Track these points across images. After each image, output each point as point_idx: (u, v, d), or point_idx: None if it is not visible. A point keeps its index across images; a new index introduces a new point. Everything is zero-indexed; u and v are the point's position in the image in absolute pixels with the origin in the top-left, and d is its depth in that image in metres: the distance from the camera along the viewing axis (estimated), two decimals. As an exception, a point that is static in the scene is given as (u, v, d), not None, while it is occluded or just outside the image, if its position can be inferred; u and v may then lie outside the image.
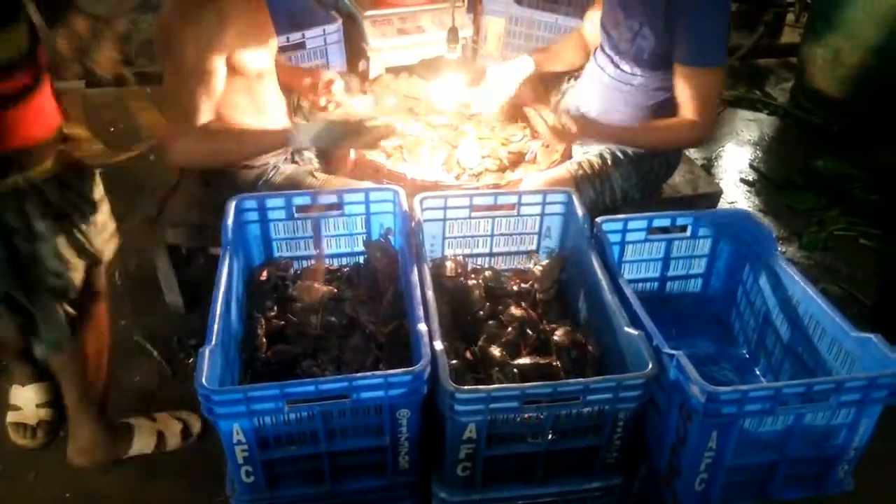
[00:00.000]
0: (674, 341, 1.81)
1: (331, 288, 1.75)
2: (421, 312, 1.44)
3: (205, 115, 1.82)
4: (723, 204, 2.98)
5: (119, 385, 2.09)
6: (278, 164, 2.09)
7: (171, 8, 1.79)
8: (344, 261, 1.88)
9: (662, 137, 2.04)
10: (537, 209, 1.82)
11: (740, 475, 1.41)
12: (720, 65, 1.92)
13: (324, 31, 2.57)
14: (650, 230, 1.79)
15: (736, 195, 3.07)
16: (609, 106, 2.15)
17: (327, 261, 1.86)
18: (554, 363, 1.52)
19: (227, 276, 1.52)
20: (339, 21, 2.62)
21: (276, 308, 1.71)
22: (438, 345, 1.36)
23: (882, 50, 3.22)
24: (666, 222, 1.79)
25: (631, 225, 1.78)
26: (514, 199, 1.80)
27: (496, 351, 1.56)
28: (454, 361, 1.52)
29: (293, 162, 2.18)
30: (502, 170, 2.33)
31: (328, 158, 2.23)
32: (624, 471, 1.50)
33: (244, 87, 1.95)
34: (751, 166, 3.26)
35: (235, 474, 1.39)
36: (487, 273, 1.81)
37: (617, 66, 2.09)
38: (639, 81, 2.07)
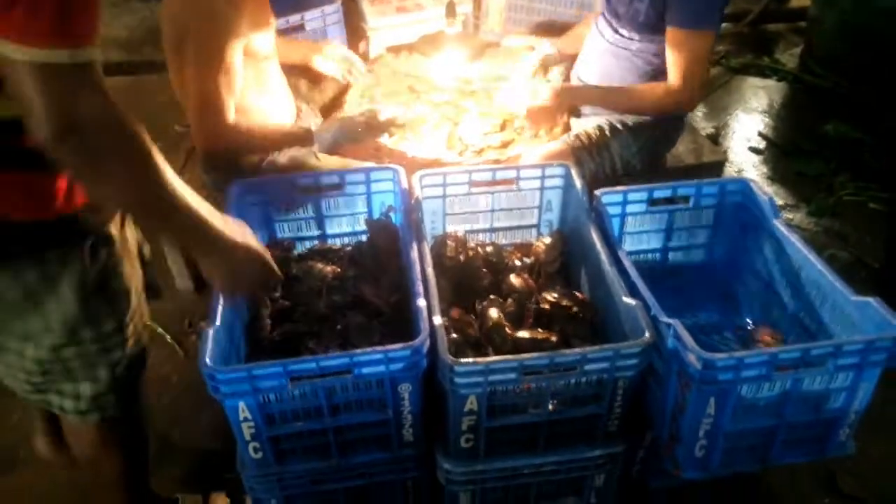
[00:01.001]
0: (678, 311, 1.85)
1: (334, 267, 1.77)
2: (420, 288, 1.46)
3: (231, 109, 1.84)
4: (730, 172, 2.98)
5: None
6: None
7: (182, 4, 1.78)
8: (346, 240, 1.90)
9: (640, 102, 2.04)
10: (536, 183, 1.82)
11: (740, 441, 1.42)
12: (709, 28, 1.90)
13: (322, 11, 2.57)
14: (651, 201, 1.79)
15: (744, 163, 3.05)
16: (608, 71, 2.14)
17: (330, 241, 1.88)
18: (552, 338, 1.53)
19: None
20: (338, 1, 2.62)
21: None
22: (438, 319, 1.38)
23: (890, 10, 3.16)
24: (667, 193, 1.79)
25: (631, 197, 1.77)
26: (512, 174, 1.80)
27: (494, 313, 1.58)
28: (454, 336, 1.54)
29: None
30: (505, 145, 2.33)
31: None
32: (626, 438, 1.51)
33: (251, 71, 1.95)
34: (759, 134, 3.23)
35: (244, 451, 1.42)
36: (489, 248, 1.82)
37: (616, 31, 2.08)
38: (637, 46, 2.06)
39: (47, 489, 1.87)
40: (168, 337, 2.25)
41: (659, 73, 2.06)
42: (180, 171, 2.28)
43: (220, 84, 1.79)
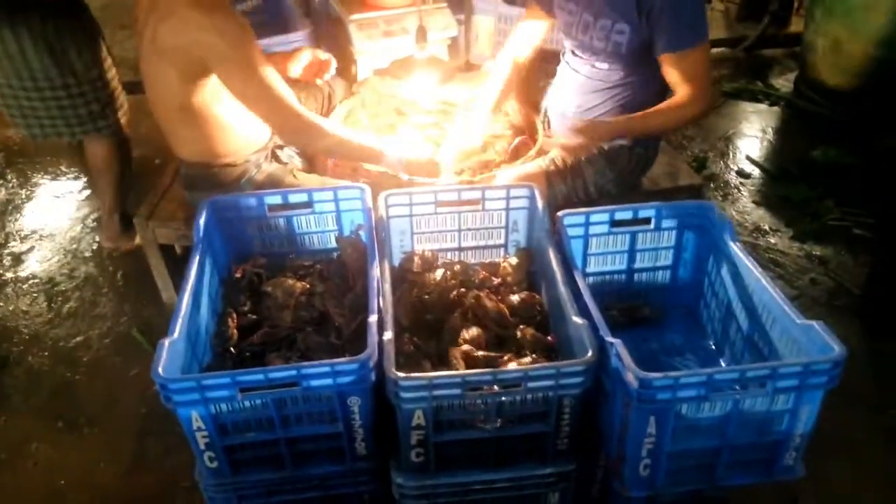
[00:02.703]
0: (642, 333, 1.88)
1: (304, 283, 1.82)
2: (375, 304, 1.50)
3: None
4: (716, 196, 2.99)
5: (117, 374, 2.21)
6: (260, 163, 2.17)
7: (200, 27, 1.78)
8: (318, 256, 1.95)
9: (668, 118, 2.05)
10: (502, 204, 1.86)
11: (684, 461, 1.44)
12: (702, 41, 1.93)
13: (288, 40, 2.61)
14: (613, 223, 1.82)
15: (731, 187, 3.06)
16: (591, 104, 2.18)
17: (301, 257, 1.93)
18: (504, 357, 1.56)
19: (196, 273, 1.61)
20: (308, 29, 2.66)
21: (249, 303, 1.79)
22: (387, 335, 1.42)
23: (882, 37, 3.18)
24: (628, 215, 1.82)
25: (593, 218, 1.81)
26: (477, 195, 1.85)
27: (467, 335, 1.62)
28: (411, 348, 1.58)
29: (275, 160, 2.25)
30: (486, 166, 2.38)
31: (310, 158, 2.30)
32: (578, 457, 1.53)
33: None
34: (748, 158, 3.25)
35: (200, 460, 1.47)
36: (456, 267, 1.86)
37: (593, 66, 2.12)
38: (618, 77, 2.09)
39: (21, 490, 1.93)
40: (151, 348, 2.30)
41: (638, 101, 2.09)
42: (166, 190, 2.37)
43: (283, 92, 1.90)
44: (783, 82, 3.86)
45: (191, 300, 1.54)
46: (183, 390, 1.33)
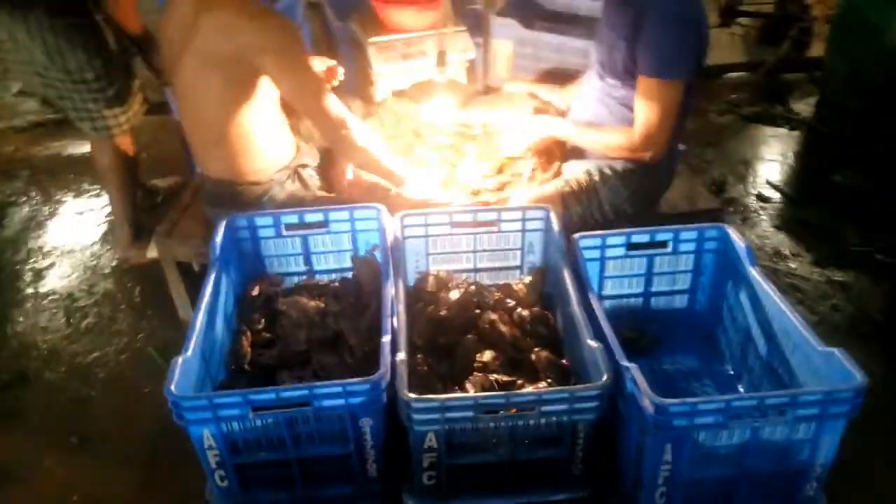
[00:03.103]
0: (658, 357, 1.86)
1: (318, 303, 1.82)
2: (389, 325, 1.50)
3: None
4: (736, 219, 2.96)
5: (133, 391, 2.22)
6: (283, 182, 2.18)
7: (255, 31, 1.81)
8: (334, 276, 1.96)
9: (601, 140, 2.09)
10: (517, 225, 1.86)
11: (702, 489, 1.41)
12: (677, 78, 1.89)
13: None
14: (630, 246, 1.81)
15: (751, 211, 3.03)
16: (599, 119, 2.18)
17: (317, 276, 1.94)
18: (518, 381, 1.55)
19: (211, 291, 1.62)
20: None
21: (264, 321, 1.79)
22: (400, 355, 1.41)
23: (904, 61, 3.15)
24: (644, 238, 1.81)
25: (610, 241, 1.80)
26: (493, 216, 1.85)
27: (486, 356, 1.61)
28: (425, 368, 1.57)
29: (299, 180, 2.26)
30: (501, 187, 2.37)
31: (327, 178, 2.31)
32: (592, 483, 1.51)
33: (254, 110, 2.05)
34: (768, 182, 3.21)
35: (211, 479, 1.46)
36: (471, 287, 1.85)
37: (602, 79, 2.13)
38: (620, 94, 2.09)
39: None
40: (163, 363, 2.31)
41: None
42: (186, 208, 2.39)
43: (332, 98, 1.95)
44: (803, 106, 3.83)
45: (205, 318, 1.55)
46: (195, 408, 1.33)
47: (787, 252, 2.76)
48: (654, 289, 1.90)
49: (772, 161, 3.41)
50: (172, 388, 1.32)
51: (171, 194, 3.02)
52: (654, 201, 2.28)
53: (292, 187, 2.19)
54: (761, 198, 3.11)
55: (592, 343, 1.44)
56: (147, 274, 2.68)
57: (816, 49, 4.24)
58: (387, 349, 1.41)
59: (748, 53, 4.29)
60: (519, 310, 1.78)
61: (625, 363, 1.37)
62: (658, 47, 1.86)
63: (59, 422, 2.15)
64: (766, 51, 4.23)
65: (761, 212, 3.02)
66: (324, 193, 2.21)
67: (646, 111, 1.94)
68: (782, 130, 3.63)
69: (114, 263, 2.81)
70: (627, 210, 2.18)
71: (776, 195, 3.14)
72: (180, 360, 1.39)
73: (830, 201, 3.01)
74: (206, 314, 1.56)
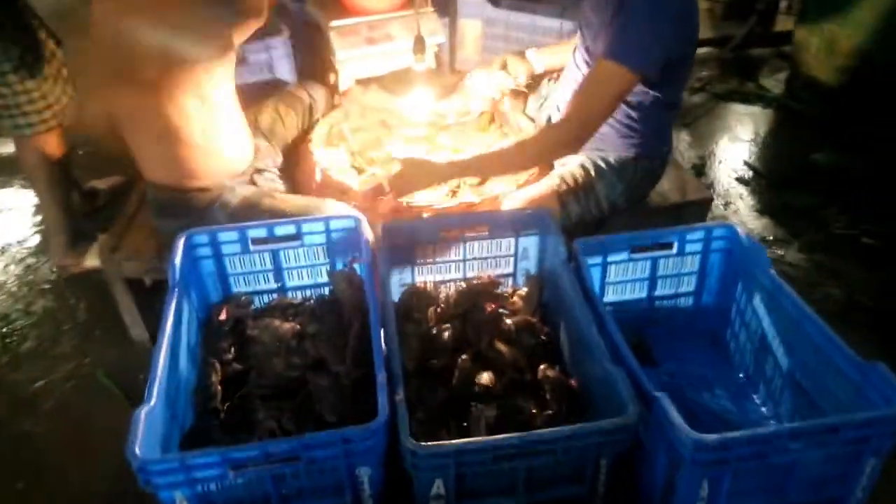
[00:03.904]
0: (665, 362, 1.74)
1: (293, 325, 1.63)
2: (382, 355, 1.33)
3: None
4: (717, 205, 2.86)
5: (84, 423, 1.99)
6: (235, 188, 1.96)
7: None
8: (309, 292, 1.76)
9: (511, 160, 1.86)
10: (511, 231, 1.70)
11: (736, 522, 1.29)
12: (630, 67, 1.70)
13: (266, 44, 2.42)
14: (633, 249, 1.67)
15: (731, 195, 2.94)
16: None
17: (289, 294, 1.75)
18: (532, 410, 1.40)
19: (172, 322, 1.41)
20: (286, 34, 2.47)
21: (234, 349, 1.60)
22: (399, 394, 1.24)
23: (879, 34, 3.07)
24: (649, 241, 1.67)
25: (613, 245, 1.66)
26: (485, 222, 1.68)
27: (485, 379, 1.46)
28: (421, 412, 1.41)
29: (253, 182, 2.04)
30: (482, 182, 2.21)
31: (293, 180, 2.11)
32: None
33: (208, 108, 1.82)
34: (746, 164, 3.12)
35: (185, 542, 1.27)
36: (462, 285, 1.69)
37: (588, 64, 1.97)
38: None
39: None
40: (119, 391, 2.09)
41: (638, 105, 1.94)
42: (132, 217, 2.15)
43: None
44: (774, 83, 3.75)
45: (168, 357, 1.35)
46: (165, 472, 1.13)
47: (771, 238, 2.68)
48: (657, 292, 1.77)
49: (748, 142, 3.32)
50: (136, 449, 1.12)
51: (114, 196, 2.75)
52: (646, 193, 2.15)
53: (248, 191, 1.97)
54: (741, 180, 3.02)
55: (613, 367, 1.29)
56: (90, 286, 2.42)
57: (783, 23, 4.18)
58: (384, 389, 1.23)
59: (714, 29, 4.19)
60: (508, 321, 1.62)
61: (652, 392, 1.24)
62: (624, 31, 1.68)
63: (2, 464, 1.91)
64: (731, 25, 4.14)
65: (742, 197, 2.93)
66: (284, 195, 1.99)
67: (584, 92, 1.74)
68: (755, 109, 3.54)
69: (52, 277, 2.54)
70: (622, 205, 2.04)
71: (754, 177, 3.05)
72: (143, 412, 1.19)
73: (811, 183, 2.93)
74: (169, 350, 1.36)
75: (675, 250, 1.69)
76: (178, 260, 1.52)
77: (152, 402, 1.22)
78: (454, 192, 2.16)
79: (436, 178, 1.87)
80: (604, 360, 1.32)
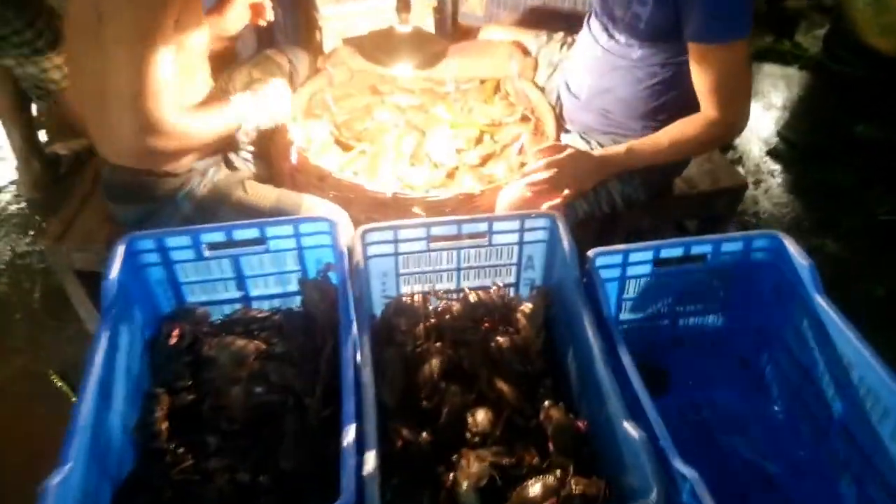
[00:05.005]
0: (689, 391, 1.51)
1: (258, 343, 1.39)
2: (352, 406, 1.09)
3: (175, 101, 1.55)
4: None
5: (41, 435, 1.78)
6: (207, 172, 1.70)
7: None
8: (276, 302, 1.52)
9: (682, 147, 1.62)
10: (514, 237, 1.44)
11: None
12: (740, 37, 1.48)
13: None
14: (657, 262, 1.41)
15: (762, 172, 2.65)
16: (605, 84, 1.73)
17: (254, 304, 1.50)
18: (532, 460, 1.17)
19: (105, 350, 1.17)
20: None
21: (187, 373, 1.36)
22: (369, 465, 1.00)
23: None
24: (678, 251, 1.41)
25: (633, 257, 1.39)
26: (483, 227, 1.42)
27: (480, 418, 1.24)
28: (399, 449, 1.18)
29: (227, 166, 1.77)
30: (483, 161, 1.94)
31: (266, 160, 1.84)
32: None
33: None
34: (779, 134, 2.82)
35: None
36: (455, 307, 1.44)
37: (611, 36, 1.67)
38: (638, 55, 1.65)
39: None
40: (69, 390, 1.88)
41: (666, 85, 1.66)
42: (85, 200, 1.90)
43: (162, 66, 1.41)
44: (810, 40, 3.40)
45: (96, 396, 1.11)
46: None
47: (807, 224, 2.41)
48: (682, 308, 1.52)
49: (781, 108, 3.01)
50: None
51: (79, 162, 2.50)
52: (669, 183, 1.88)
53: (217, 177, 1.71)
54: (773, 153, 2.73)
55: (632, 430, 1.05)
56: (47, 272, 2.19)
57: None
58: (350, 463, 1.00)
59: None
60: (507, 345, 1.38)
61: (681, 468, 1.00)
62: (717, 4, 1.42)
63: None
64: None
65: (774, 173, 2.64)
66: (257, 185, 1.73)
67: (716, 89, 1.53)
68: (791, 70, 3.22)
69: (6, 257, 2.30)
70: (640, 198, 1.77)
71: (789, 150, 2.75)
72: (53, 483, 0.97)
73: (852, 158, 2.64)
74: (98, 389, 1.12)
75: (708, 262, 1.43)
76: (113, 274, 1.27)
77: (67, 468, 1.00)
78: (451, 175, 1.91)
79: (612, 168, 1.65)
80: (622, 418, 1.08)
